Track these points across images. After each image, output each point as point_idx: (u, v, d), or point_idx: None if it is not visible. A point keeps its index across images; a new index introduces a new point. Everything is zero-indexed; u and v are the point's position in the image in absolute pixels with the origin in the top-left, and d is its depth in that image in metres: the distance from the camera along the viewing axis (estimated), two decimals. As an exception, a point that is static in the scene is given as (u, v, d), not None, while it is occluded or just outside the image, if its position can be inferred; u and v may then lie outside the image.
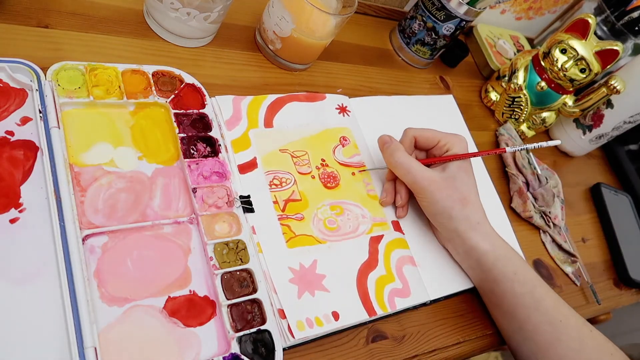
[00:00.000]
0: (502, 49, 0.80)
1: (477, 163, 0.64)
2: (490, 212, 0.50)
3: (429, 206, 0.49)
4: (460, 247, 0.49)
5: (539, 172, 0.67)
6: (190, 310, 0.39)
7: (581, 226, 0.72)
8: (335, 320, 0.42)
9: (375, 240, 0.49)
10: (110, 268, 0.38)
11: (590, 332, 0.46)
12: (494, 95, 0.74)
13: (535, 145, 0.50)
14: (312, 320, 0.41)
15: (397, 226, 0.52)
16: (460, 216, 0.48)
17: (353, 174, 0.53)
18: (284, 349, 0.40)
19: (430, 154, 0.52)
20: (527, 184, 0.66)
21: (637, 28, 0.76)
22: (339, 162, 0.53)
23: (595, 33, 0.66)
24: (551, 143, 0.50)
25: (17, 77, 0.41)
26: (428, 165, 0.50)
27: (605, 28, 0.77)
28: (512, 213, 0.64)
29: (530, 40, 0.89)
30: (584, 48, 0.64)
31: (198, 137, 0.46)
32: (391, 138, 0.50)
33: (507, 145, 0.68)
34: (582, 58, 0.64)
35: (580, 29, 0.64)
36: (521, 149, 0.51)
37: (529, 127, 0.73)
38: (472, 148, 0.65)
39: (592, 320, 0.66)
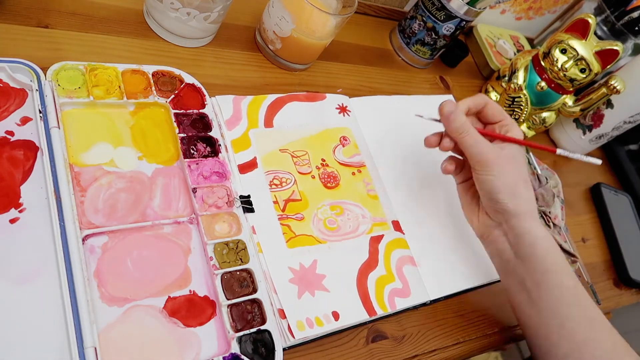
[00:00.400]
0: (502, 49, 0.80)
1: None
2: (490, 212, 0.50)
3: (493, 180, 0.45)
4: (512, 232, 0.46)
5: (539, 172, 0.67)
6: (190, 310, 0.39)
7: (581, 226, 0.72)
8: (335, 320, 0.42)
9: (376, 240, 0.49)
10: (110, 268, 0.38)
11: (619, 335, 0.45)
12: (494, 95, 0.74)
13: (584, 158, 0.50)
14: (312, 320, 0.41)
15: (397, 226, 0.52)
16: (523, 196, 0.45)
17: (353, 173, 0.53)
18: (284, 349, 0.40)
19: (488, 128, 0.50)
20: (527, 184, 0.66)
21: (637, 28, 0.76)
22: (339, 162, 0.53)
23: (595, 33, 0.66)
24: (593, 160, 0.51)
25: (17, 77, 0.41)
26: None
27: (605, 28, 0.77)
28: (512, 213, 0.64)
29: (530, 40, 0.89)
30: (584, 48, 0.64)
31: (198, 137, 0.46)
32: (454, 104, 0.47)
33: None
34: (582, 58, 0.64)
35: (580, 29, 0.64)
36: (572, 156, 0.50)
37: (529, 127, 0.73)
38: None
39: (592, 320, 0.66)
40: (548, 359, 0.46)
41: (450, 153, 0.50)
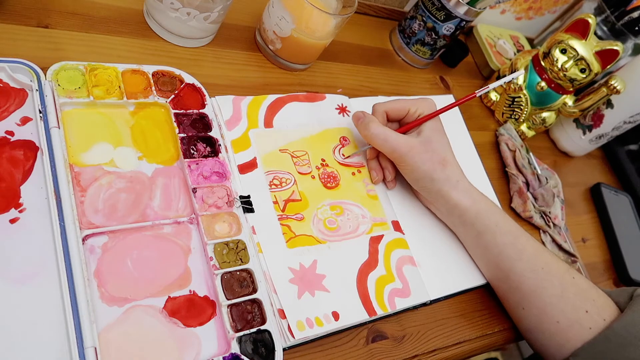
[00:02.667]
0: (502, 49, 0.80)
1: (476, 163, 0.64)
2: (490, 212, 0.50)
3: (411, 172, 0.49)
4: (443, 207, 0.51)
5: (539, 172, 0.67)
6: (190, 310, 0.39)
7: (581, 226, 0.72)
8: (335, 320, 0.42)
9: (375, 240, 0.49)
10: (110, 268, 0.38)
11: (572, 279, 0.48)
12: (494, 95, 0.74)
13: (505, 80, 0.50)
14: (312, 320, 0.41)
15: (397, 226, 0.52)
16: (442, 177, 0.49)
17: (353, 174, 0.53)
18: (284, 349, 0.40)
19: (404, 123, 0.53)
20: (527, 184, 0.66)
21: (637, 28, 0.76)
22: (339, 162, 0.53)
23: (595, 33, 0.66)
24: (516, 74, 0.51)
25: (17, 77, 0.41)
26: (404, 133, 0.51)
27: (605, 28, 0.77)
28: (512, 213, 0.64)
29: (530, 40, 0.89)
30: (584, 48, 0.64)
31: (198, 137, 0.46)
32: (364, 113, 0.51)
33: (507, 145, 0.68)
34: (582, 58, 0.64)
35: (580, 29, 0.64)
36: (489, 88, 0.51)
37: (529, 127, 0.73)
38: (470, 146, 0.65)
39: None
40: (506, 305, 0.51)
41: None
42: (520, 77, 0.70)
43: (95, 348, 0.33)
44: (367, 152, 0.53)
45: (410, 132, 0.51)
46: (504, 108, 0.73)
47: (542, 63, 0.68)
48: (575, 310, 0.46)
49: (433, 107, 0.51)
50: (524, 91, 0.70)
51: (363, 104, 0.59)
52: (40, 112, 0.40)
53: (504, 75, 0.72)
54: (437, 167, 0.49)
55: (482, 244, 0.50)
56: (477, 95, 0.51)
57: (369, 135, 0.49)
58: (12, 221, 0.36)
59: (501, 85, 0.73)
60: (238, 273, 0.41)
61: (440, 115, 0.51)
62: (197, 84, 0.49)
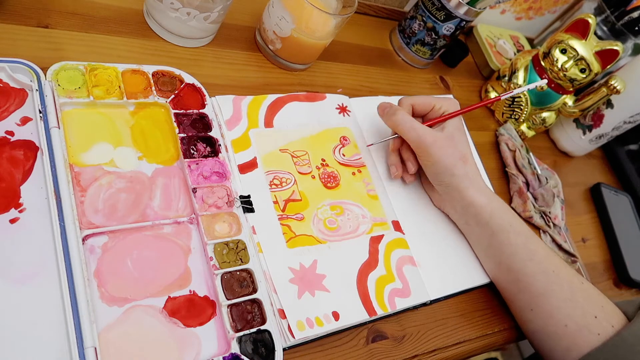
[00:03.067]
0: (502, 49, 0.80)
1: (476, 163, 0.64)
2: (490, 212, 0.50)
3: (433, 165, 0.50)
4: (458, 204, 0.51)
5: (539, 172, 0.67)
6: (190, 310, 0.39)
7: (581, 226, 0.72)
8: (335, 320, 0.42)
9: (376, 240, 0.49)
10: (110, 268, 0.38)
11: (581, 284, 0.48)
12: (494, 95, 0.74)
13: (524, 88, 0.52)
14: (312, 320, 0.41)
15: (397, 226, 0.52)
16: (462, 173, 0.49)
17: (353, 173, 0.53)
18: (284, 349, 0.40)
19: (427, 119, 0.54)
20: (527, 184, 0.66)
21: (637, 28, 0.76)
22: (339, 162, 0.53)
23: (595, 33, 0.66)
24: (538, 83, 0.53)
25: (17, 77, 0.41)
26: None
27: (605, 28, 0.77)
28: (512, 213, 0.64)
29: (530, 40, 0.89)
30: (584, 48, 0.64)
31: (198, 137, 0.46)
32: (391, 104, 0.52)
33: (507, 145, 0.68)
34: (582, 58, 0.64)
35: (580, 29, 0.64)
36: (511, 94, 0.52)
37: (529, 127, 0.73)
38: (470, 146, 0.65)
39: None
40: (513, 307, 0.51)
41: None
42: (520, 77, 0.70)
43: (95, 348, 0.33)
44: (390, 144, 0.54)
45: (434, 127, 0.52)
46: (504, 108, 0.73)
47: (542, 63, 0.68)
48: (584, 315, 0.46)
49: (457, 106, 0.53)
50: (524, 91, 0.70)
51: (363, 104, 0.59)
52: (40, 112, 0.40)
53: (504, 76, 0.72)
54: (459, 162, 0.49)
55: (495, 244, 0.50)
56: (501, 98, 0.53)
57: (397, 120, 0.50)
58: (12, 221, 0.36)
59: (501, 86, 0.73)
60: (238, 273, 0.41)
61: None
62: (197, 84, 0.49)
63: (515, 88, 0.70)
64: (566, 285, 0.47)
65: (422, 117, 0.54)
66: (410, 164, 0.53)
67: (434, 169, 0.50)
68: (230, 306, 0.39)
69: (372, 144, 0.55)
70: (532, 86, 0.52)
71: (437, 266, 0.51)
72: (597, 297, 0.48)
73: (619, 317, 0.47)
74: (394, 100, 0.62)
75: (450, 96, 0.55)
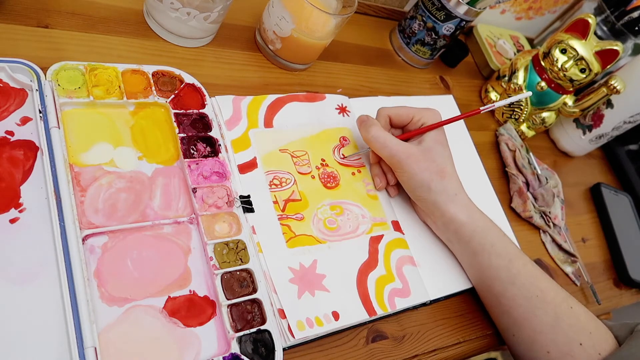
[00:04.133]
0: (502, 49, 0.80)
1: (476, 163, 0.64)
2: (489, 212, 0.50)
3: (408, 180, 0.49)
4: (439, 220, 0.50)
5: (539, 172, 0.67)
6: (190, 310, 0.39)
7: (581, 226, 0.72)
8: (335, 320, 0.42)
9: (375, 240, 0.49)
10: (110, 268, 0.38)
11: (570, 309, 0.46)
12: (494, 95, 0.74)
13: (514, 99, 0.49)
14: (312, 320, 0.41)
15: (397, 226, 0.52)
16: (439, 188, 0.48)
17: (353, 174, 0.53)
18: (284, 349, 0.40)
19: (406, 130, 0.52)
20: (527, 184, 0.66)
21: (637, 28, 0.76)
22: (339, 162, 0.53)
23: (595, 33, 0.66)
24: (522, 96, 0.50)
25: (17, 77, 0.41)
26: (406, 141, 0.50)
27: (605, 28, 0.77)
28: (512, 213, 0.64)
29: (530, 40, 0.89)
30: (584, 48, 0.64)
31: (198, 137, 0.46)
32: (368, 116, 0.51)
33: (507, 145, 0.68)
34: (582, 58, 0.64)
35: (580, 29, 0.64)
36: (499, 105, 0.50)
37: (529, 127, 0.73)
38: (470, 146, 0.65)
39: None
40: (498, 327, 0.50)
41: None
42: (520, 77, 0.70)
43: (95, 348, 0.33)
44: (370, 157, 0.53)
45: (411, 140, 0.50)
46: (504, 108, 0.73)
47: (542, 63, 0.68)
48: (569, 342, 0.44)
49: (438, 117, 0.51)
50: (524, 91, 0.70)
51: (363, 104, 0.59)
52: (40, 112, 0.40)
53: (504, 76, 0.72)
54: (435, 177, 0.48)
55: (476, 264, 0.48)
56: (482, 111, 0.50)
57: (369, 137, 0.49)
58: (12, 221, 0.36)
59: (501, 85, 0.73)
60: (238, 273, 0.41)
61: (443, 127, 0.51)
62: (197, 84, 0.49)
63: (515, 88, 0.70)
64: (551, 310, 0.45)
65: (402, 128, 0.53)
66: (390, 176, 0.52)
67: (410, 184, 0.49)
68: (230, 306, 0.39)
69: (347, 157, 0.53)
70: (514, 99, 0.49)
71: (437, 266, 0.51)
72: (585, 323, 0.46)
73: (608, 343, 0.45)
74: (394, 100, 0.62)
75: (430, 96, 0.53)
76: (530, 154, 0.70)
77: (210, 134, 0.47)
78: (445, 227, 0.50)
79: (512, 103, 0.71)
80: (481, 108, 0.50)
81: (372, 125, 0.49)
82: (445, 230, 0.50)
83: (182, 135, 0.45)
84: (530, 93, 0.52)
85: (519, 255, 0.48)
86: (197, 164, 0.45)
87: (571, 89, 0.69)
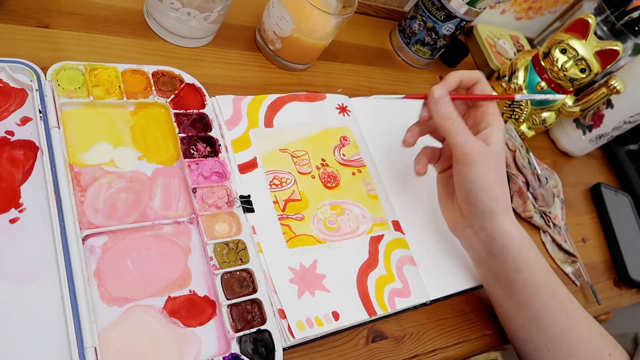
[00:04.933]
0: (502, 49, 0.80)
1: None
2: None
3: (477, 179, 0.44)
4: (486, 232, 0.46)
5: (539, 172, 0.67)
6: (190, 310, 0.39)
7: (581, 226, 0.72)
8: (335, 320, 0.42)
9: (376, 240, 0.49)
10: (110, 268, 0.38)
11: (593, 320, 0.47)
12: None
13: (545, 95, 0.49)
14: (312, 320, 0.41)
15: (397, 226, 0.52)
16: (501, 197, 0.45)
17: (353, 173, 0.53)
18: (284, 349, 0.40)
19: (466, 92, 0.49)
20: (527, 184, 0.66)
21: (637, 28, 0.76)
22: (339, 162, 0.53)
23: (595, 33, 0.66)
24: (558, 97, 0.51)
25: (17, 77, 0.41)
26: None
27: (605, 28, 0.77)
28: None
29: (530, 40, 0.89)
30: (584, 48, 0.64)
31: (198, 137, 0.46)
32: (444, 86, 0.46)
33: (507, 145, 0.68)
34: (582, 58, 0.64)
35: (580, 29, 0.64)
36: (530, 98, 0.51)
37: (529, 127, 0.73)
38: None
39: (592, 320, 0.66)
40: (526, 347, 0.47)
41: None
42: (520, 77, 0.70)
43: (95, 348, 0.33)
44: (420, 114, 0.49)
45: (478, 137, 0.46)
46: (504, 108, 0.73)
47: (542, 63, 0.68)
48: (600, 353, 0.45)
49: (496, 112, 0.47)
50: (524, 91, 0.70)
51: (363, 104, 0.59)
52: (40, 112, 0.40)
53: (504, 76, 0.72)
54: (499, 185, 0.45)
55: (519, 280, 0.45)
56: (516, 99, 0.51)
57: (446, 116, 0.45)
58: (12, 221, 0.36)
59: (501, 86, 0.73)
60: (238, 273, 0.41)
61: None
62: (197, 84, 0.49)
63: (515, 88, 0.70)
64: (584, 322, 0.46)
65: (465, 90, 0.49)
66: (408, 134, 0.49)
67: (475, 184, 0.44)
68: (230, 306, 0.39)
69: (394, 97, 0.48)
70: (551, 96, 0.50)
71: (437, 266, 0.51)
72: (607, 334, 0.46)
73: (624, 354, 0.46)
74: (394, 99, 0.62)
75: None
76: (530, 154, 0.70)
77: (210, 134, 0.47)
78: (491, 239, 0.46)
79: (513, 103, 0.71)
80: (517, 96, 0.50)
81: (453, 110, 0.45)
82: (489, 243, 0.46)
83: (182, 135, 0.45)
84: (564, 96, 0.52)
85: (553, 272, 0.47)
86: (197, 164, 0.45)
87: (571, 89, 0.69)
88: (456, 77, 0.47)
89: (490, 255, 0.47)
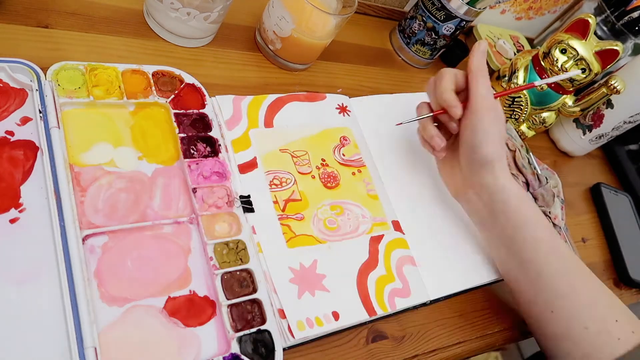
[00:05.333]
0: (502, 49, 0.80)
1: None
2: (490, 212, 0.50)
3: (482, 131, 0.46)
4: (487, 190, 0.48)
5: (539, 172, 0.67)
6: (190, 310, 0.39)
7: (581, 226, 0.72)
8: (335, 320, 0.42)
9: (376, 240, 0.49)
10: (110, 268, 0.38)
11: (600, 285, 0.46)
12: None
13: (563, 76, 0.50)
14: (312, 320, 0.41)
15: (397, 226, 0.52)
16: (502, 151, 0.47)
17: (353, 173, 0.53)
18: (284, 349, 0.40)
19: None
20: (527, 184, 0.66)
21: (637, 28, 0.76)
22: (339, 162, 0.53)
23: (595, 33, 0.66)
24: (573, 73, 0.52)
25: (17, 77, 0.41)
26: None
27: (605, 28, 0.77)
28: (512, 213, 0.64)
29: (530, 40, 0.89)
30: (584, 48, 0.64)
31: (198, 137, 0.46)
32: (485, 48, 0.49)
33: (507, 145, 0.68)
34: (582, 58, 0.64)
35: (580, 29, 0.64)
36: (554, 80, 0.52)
37: (529, 127, 0.73)
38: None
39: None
40: (531, 308, 0.48)
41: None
42: (520, 77, 0.70)
43: (95, 348, 0.33)
44: (426, 108, 0.51)
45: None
46: (504, 108, 0.72)
47: (542, 63, 0.68)
48: (605, 318, 0.44)
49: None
50: (524, 91, 0.70)
51: (363, 104, 0.59)
52: (40, 112, 0.40)
53: (504, 76, 0.72)
54: (501, 140, 0.47)
55: (520, 237, 0.47)
56: (536, 85, 0.52)
57: (480, 66, 0.47)
58: (12, 221, 0.36)
59: (501, 86, 0.73)
60: (238, 273, 0.41)
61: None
62: (197, 84, 0.49)
63: (515, 85, 0.70)
64: (590, 285, 0.46)
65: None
66: (438, 139, 0.50)
67: (482, 134, 0.46)
68: (230, 306, 0.39)
69: (401, 123, 0.51)
70: (569, 75, 0.51)
71: (437, 266, 0.51)
72: (617, 301, 0.46)
73: (638, 323, 0.45)
74: (394, 98, 0.62)
75: None
76: (530, 154, 0.69)
77: (210, 134, 0.47)
78: (492, 197, 0.47)
79: (513, 103, 0.71)
80: (536, 82, 0.52)
81: (484, 63, 0.48)
82: (490, 201, 0.48)
83: (182, 135, 0.45)
84: (579, 71, 0.53)
85: (554, 229, 0.48)
86: (197, 164, 0.45)
87: (571, 89, 0.69)
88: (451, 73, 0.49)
89: (491, 214, 0.48)
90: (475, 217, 0.51)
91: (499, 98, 0.49)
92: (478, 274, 0.53)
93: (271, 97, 0.53)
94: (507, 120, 0.73)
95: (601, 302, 0.45)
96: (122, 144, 0.43)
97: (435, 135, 0.50)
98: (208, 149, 0.46)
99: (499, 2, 0.67)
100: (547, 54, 0.67)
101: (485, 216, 0.49)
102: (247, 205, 0.45)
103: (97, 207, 0.40)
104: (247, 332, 0.39)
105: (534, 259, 0.46)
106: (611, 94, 0.67)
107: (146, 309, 0.37)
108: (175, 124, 0.46)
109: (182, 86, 0.48)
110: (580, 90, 0.71)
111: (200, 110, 0.47)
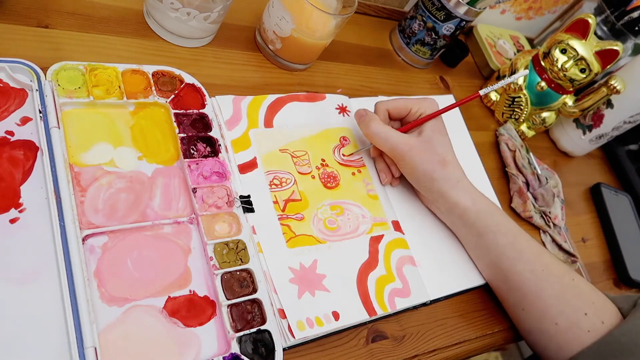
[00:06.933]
0: (502, 49, 0.80)
1: (476, 163, 0.64)
2: (490, 212, 0.50)
3: (411, 172, 0.50)
4: (443, 206, 0.51)
5: (539, 172, 0.67)
6: (190, 310, 0.39)
7: (581, 226, 0.72)
8: (335, 320, 0.42)
9: (376, 240, 0.49)
10: (110, 268, 0.38)
11: (572, 281, 0.48)
12: (494, 95, 0.74)
13: (511, 78, 0.49)
14: (312, 320, 0.41)
15: (397, 226, 0.52)
16: (442, 177, 0.49)
17: (353, 174, 0.53)
18: (284, 349, 0.40)
19: (405, 123, 0.53)
20: (527, 184, 0.66)
21: (637, 28, 0.76)
22: (339, 162, 0.53)
23: (595, 33, 0.66)
24: (520, 74, 0.50)
25: (17, 77, 0.41)
26: (406, 132, 0.51)
27: (605, 28, 0.77)
28: (512, 213, 0.64)
29: (530, 40, 0.89)
30: (584, 48, 0.64)
31: (198, 137, 0.46)
32: (366, 111, 0.51)
33: (507, 145, 0.68)
34: (582, 58, 0.64)
35: (580, 29, 0.64)
36: (494, 88, 0.50)
37: (529, 127, 0.73)
38: (470, 146, 0.65)
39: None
40: (507, 306, 0.51)
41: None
42: (521, 78, 0.70)
43: (95, 348, 0.33)
44: (371, 151, 0.53)
45: (411, 132, 0.51)
46: (504, 108, 0.73)
47: (542, 63, 0.68)
48: (574, 312, 0.46)
49: (435, 106, 0.51)
50: (524, 91, 0.70)
51: (363, 104, 0.59)
52: (40, 112, 0.40)
53: (504, 76, 0.72)
54: (437, 167, 0.49)
55: (483, 244, 0.50)
56: (480, 94, 0.50)
57: (369, 133, 0.50)
58: (12, 221, 0.36)
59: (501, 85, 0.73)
60: (238, 273, 0.41)
61: (441, 115, 0.51)
62: (197, 84, 0.49)
63: (515, 88, 0.70)
64: (556, 283, 0.47)
65: (400, 120, 0.53)
66: (393, 169, 0.53)
67: (414, 175, 0.50)
68: (230, 306, 0.39)
69: (349, 155, 0.54)
70: (511, 79, 0.49)
71: (437, 266, 0.51)
72: (588, 293, 0.48)
73: (611, 312, 0.47)
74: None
75: (431, 97, 0.54)
76: (530, 154, 0.70)
77: (210, 134, 0.47)
78: (449, 213, 0.51)
79: (513, 103, 0.71)
80: (480, 91, 0.51)
81: (372, 120, 0.50)
82: (449, 215, 0.52)
83: (182, 135, 0.45)
84: (527, 72, 0.53)
85: (522, 232, 0.50)
86: (197, 164, 0.45)
87: (571, 89, 0.69)
88: (382, 107, 0.51)
89: (454, 225, 0.52)
90: (447, 223, 0.54)
91: (459, 107, 0.52)
92: (477, 274, 0.53)
93: (271, 97, 0.53)
94: (507, 121, 0.73)
95: (569, 296, 0.47)
96: (122, 144, 0.43)
97: (380, 171, 0.54)
98: (208, 149, 0.46)
99: (499, 2, 0.67)
100: (547, 54, 0.67)
101: (451, 225, 0.53)
102: (247, 205, 0.45)
103: (97, 207, 0.40)
104: (247, 332, 0.39)
105: (499, 263, 0.49)
106: (611, 94, 0.67)
107: (146, 309, 0.37)
108: (175, 124, 0.46)
109: (182, 86, 0.48)
110: (580, 90, 0.71)
111: (200, 110, 0.47)
